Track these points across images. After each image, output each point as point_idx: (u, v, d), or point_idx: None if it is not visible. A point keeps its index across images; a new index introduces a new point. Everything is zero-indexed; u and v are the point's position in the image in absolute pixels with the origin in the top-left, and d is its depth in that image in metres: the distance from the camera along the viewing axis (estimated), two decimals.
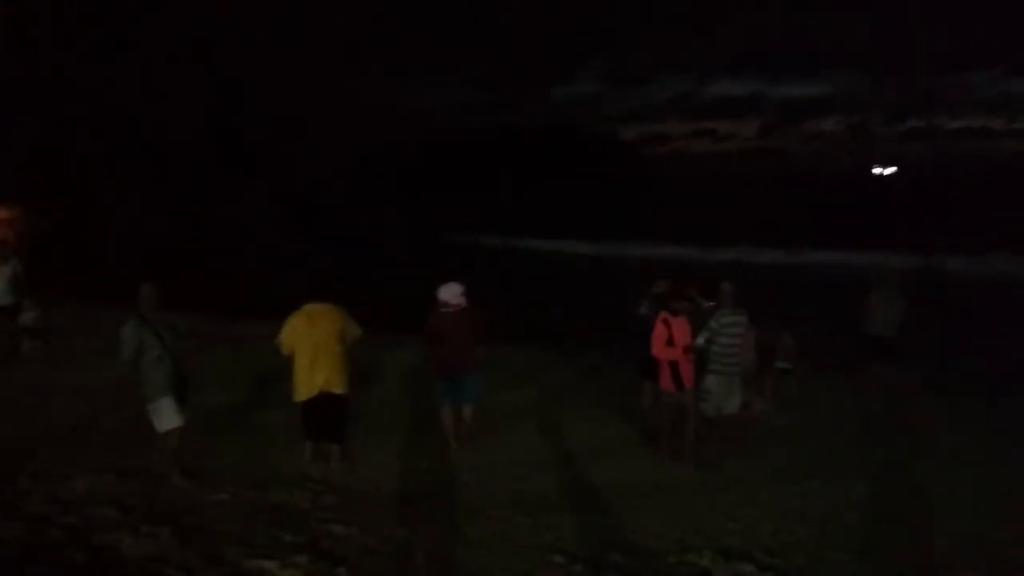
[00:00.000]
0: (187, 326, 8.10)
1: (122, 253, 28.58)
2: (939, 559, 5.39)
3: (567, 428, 8.52)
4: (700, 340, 7.29)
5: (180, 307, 8.02)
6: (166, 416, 6.51)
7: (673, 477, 7.07)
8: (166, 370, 6.47)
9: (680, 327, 7.27)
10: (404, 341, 11.32)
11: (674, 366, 7.26)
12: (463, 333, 7.57)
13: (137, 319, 6.44)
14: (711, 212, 47.67)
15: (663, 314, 7.37)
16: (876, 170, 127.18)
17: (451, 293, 7.65)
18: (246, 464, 7.08)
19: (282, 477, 6.72)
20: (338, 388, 7.01)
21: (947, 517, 6.03)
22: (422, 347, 8.14)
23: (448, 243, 37.67)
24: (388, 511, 6.14)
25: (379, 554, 5.23)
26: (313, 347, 6.91)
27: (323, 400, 6.97)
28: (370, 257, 31.56)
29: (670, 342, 7.23)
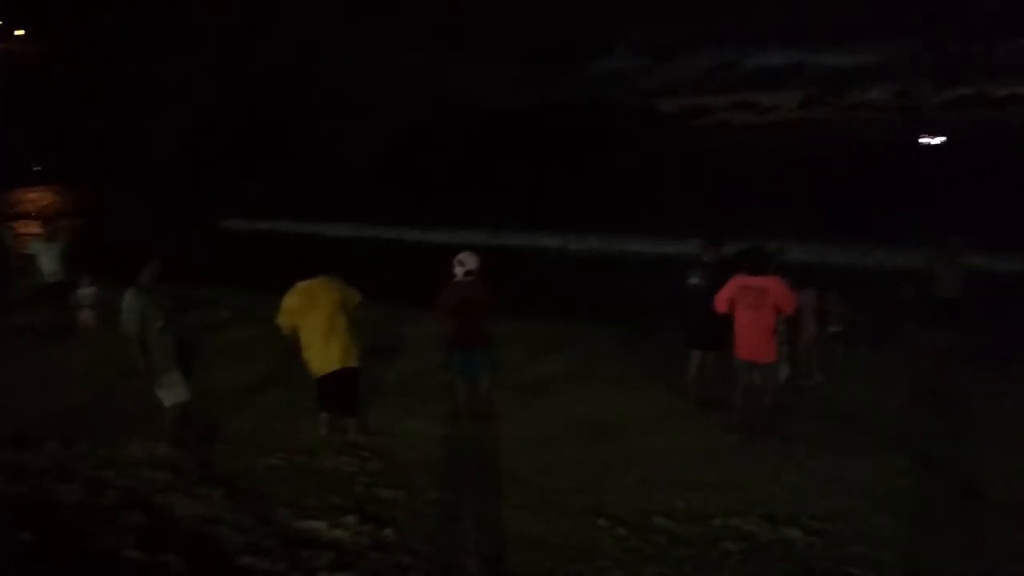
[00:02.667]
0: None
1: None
2: (991, 529, 5.31)
3: (605, 398, 8.51)
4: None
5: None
6: (175, 390, 6.46)
7: (719, 446, 7.04)
8: (170, 341, 6.39)
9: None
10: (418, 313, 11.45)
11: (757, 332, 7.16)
12: (477, 304, 7.35)
13: (136, 290, 6.31)
14: (753, 195, 45.43)
15: (740, 276, 7.22)
16: (924, 140, 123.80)
17: (467, 262, 7.42)
18: (268, 433, 7.18)
19: (330, 443, 6.83)
20: (352, 362, 6.94)
21: (1000, 487, 5.93)
22: (438, 318, 8.00)
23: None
24: (433, 476, 6.23)
25: (425, 516, 5.32)
26: (319, 323, 6.80)
27: (338, 375, 6.90)
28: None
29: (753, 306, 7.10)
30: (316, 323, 6.81)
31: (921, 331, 9.99)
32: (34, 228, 25.50)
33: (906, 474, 6.25)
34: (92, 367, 8.94)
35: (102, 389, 8.03)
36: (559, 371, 9.50)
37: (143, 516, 5.13)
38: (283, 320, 6.93)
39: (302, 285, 6.90)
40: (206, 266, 19.46)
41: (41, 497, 5.37)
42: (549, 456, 6.80)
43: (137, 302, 6.23)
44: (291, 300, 6.89)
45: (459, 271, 7.37)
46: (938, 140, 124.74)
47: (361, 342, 7.12)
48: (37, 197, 41.86)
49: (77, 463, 6.10)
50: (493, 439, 7.30)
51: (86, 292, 10.68)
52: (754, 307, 7.14)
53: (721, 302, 7.27)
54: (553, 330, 11.83)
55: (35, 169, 48.15)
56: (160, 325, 6.30)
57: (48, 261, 10.87)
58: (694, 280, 8.10)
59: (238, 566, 4.43)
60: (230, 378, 8.62)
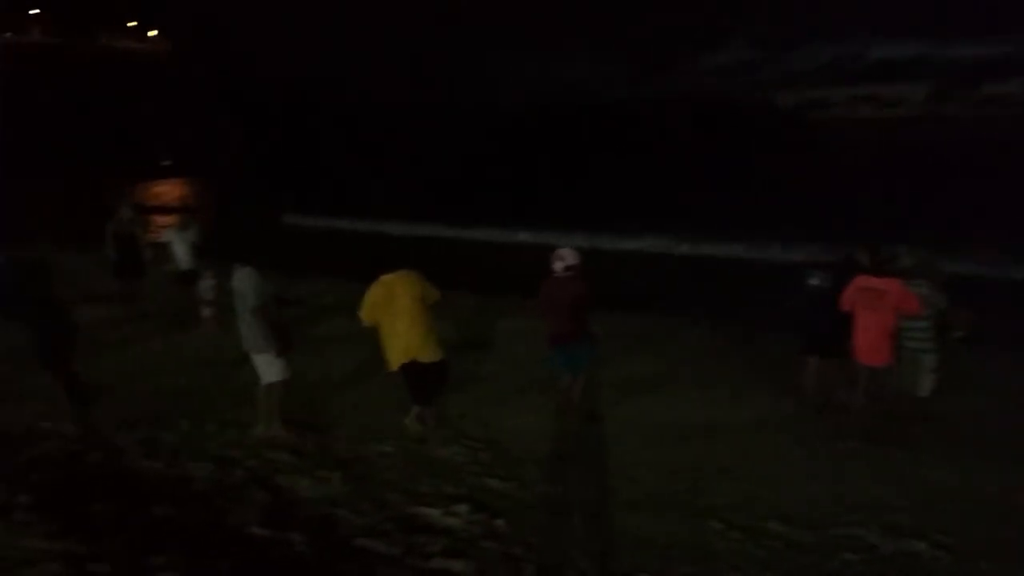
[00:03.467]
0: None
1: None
2: None
3: (710, 397, 8.35)
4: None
5: None
6: (276, 367, 6.72)
7: (835, 452, 6.80)
8: (271, 323, 6.67)
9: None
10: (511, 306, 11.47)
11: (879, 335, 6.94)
12: (576, 299, 7.26)
13: (253, 269, 6.64)
14: (876, 194, 42.78)
15: (862, 277, 7.00)
16: None
17: (565, 257, 7.33)
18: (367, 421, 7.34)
19: (441, 433, 6.96)
20: (429, 355, 6.97)
21: None
22: (533, 313, 7.95)
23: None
24: (541, 469, 6.26)
25: (536, 509, 5.36)
26: (398, 316, 6.90)
27: (418, 367, 6.97)
28: None
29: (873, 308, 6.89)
30: (396, 316, 6.90)
31: None
32: (168, 219, 27.00)
33: None
34: (216, 352, 9.39)
35: (226, 373, 8.42)
36: (662, 370, 9.38)
37: (267, 495, 5.38)
38: (365, 312, 7.05)
39: (384, 278, 7.01)
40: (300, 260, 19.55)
41: (175, 473, 5.70)
42: (657, 455, 6.72)
43: (259, 280, 6.61)
44: (373, 293, 7.01)
45: (558, 266, 7.32)
46: None
47: (439, 336, 7.13)
48: (167, 190, 44.22)
49: (207, 442, 6.45)
50: (598, 435, 7.28)
51: (208, 285, 11.14)
52: (874, 309, 6.91)
53: (845, 301, 7.06)
54: (653, 329, 11.67)
55: (165, 163, 50.93)
56: (253, 306, 6.61)
57: (181, 250, 11.49)
58: (815, 281, 7.83)
59: (356, 547, 4.59)
60: (323, 367, 8.90)
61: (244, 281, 6.63)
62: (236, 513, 5.02)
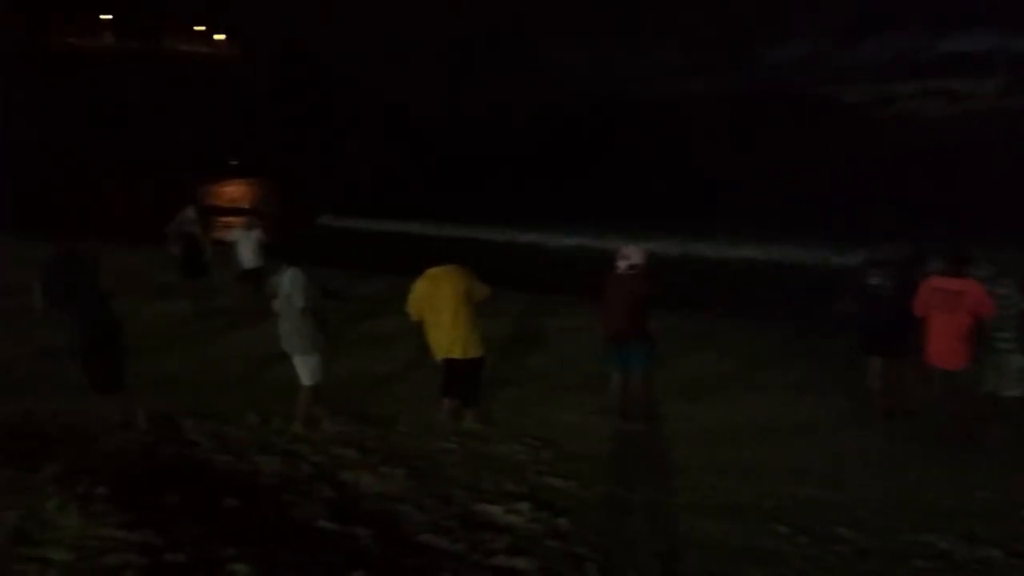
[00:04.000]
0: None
1: None
2: None
3: (775, 399, 8.21)
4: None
5: None
6: (315, 369, 6.92)
7: (905, 456, 6.63)
8: (316, 324, 6.87)
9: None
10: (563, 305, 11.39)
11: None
12: (637, 297, 7.17)
13: (300, 269, 6.89)
14: (946, 192, 41.06)
15: (935, 278, 6.82)
16: None
17: (631, 256, 7.26)
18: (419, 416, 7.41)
19: (502, 431, 7.00)
20: (470, 352, 7.01)
21: None
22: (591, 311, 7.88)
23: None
24: (603, 469, 6.25)
25: (599, 509, 5.35)
26: (440, 311, 6.95)
27: (458, 363, 7.03)
28: None
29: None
30: (440, 310, 6.96)
31: None
32: (234, 219, 27.63)
33: None
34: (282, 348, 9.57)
35: (291, 369, 8.57)
36: (723, 370, 9.27)
37: (332, 490, 5.47)
38: (411, 306, 7.14)
39: (431, 272, 7.10)
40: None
41: (244, 466, 5.83)
42: (722, 456, 6.65)
43: (308, 282, 6.86)
44: (420, 286, 7.10)
45: (622, 264, 7.29)
46: None
47: (482, 334, 7.16)
48: (233, 190, 45.30)
49: (274, 437, 6.59)
50: (660, 435, 7.23)
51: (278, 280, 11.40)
52: (948, 310, 6.70)
53: (919, 305, 6.87)
54: (712, 329, 11.53)
55: (232, 164, 52.20)
56: (302, 307, 6.84)
57: (246, 249, 11.78)
58: (875, 280, 7.59)
59: (420, 543, 4.63)
60: (371, 363, 9.01)
61: (291, 281, 6.81)
62: (303, 507, 5.11)
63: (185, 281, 12.17)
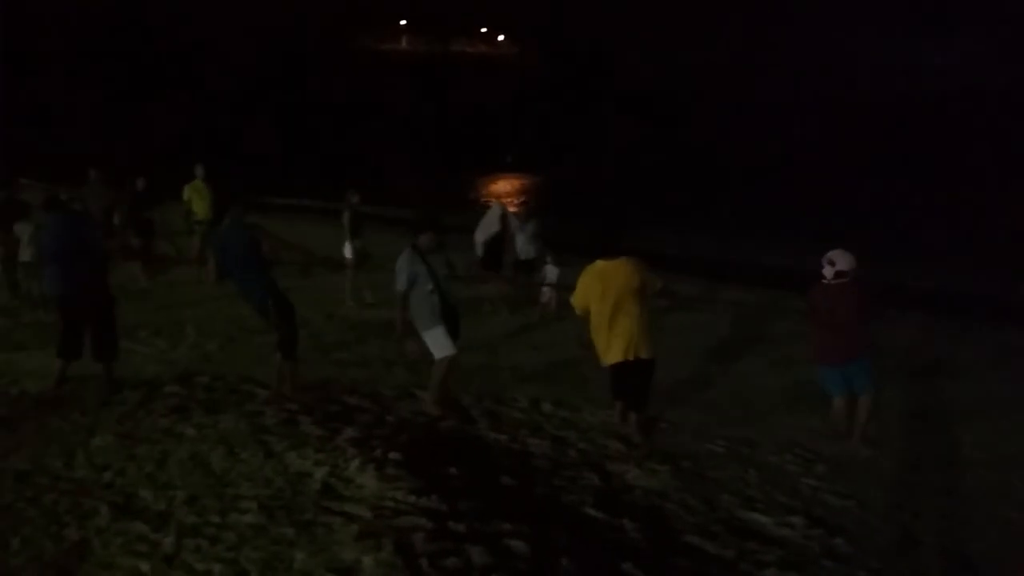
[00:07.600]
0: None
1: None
2: None
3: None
4: None
5: None
6: (442, 343, 6.74)
7: None
8: (435, 302, 6.73)
9: None
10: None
11: None
12: (849, 311, 6.37)
13: (411, 252, 6.79)
14: None
15: None
16: None
17: (836, 261, 6.47)
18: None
19: (773, 439, 6.68)
20: (643, 353, 6.37)
21: None
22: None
23: None
24: (884, 492, 5.78)
25: (880, 534, 4.98)
26: (610, 308, 6.34)
27: (626, 365, 6.40)
28: None
29: None
30: (605, 307, 6.37)
31: None
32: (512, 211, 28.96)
33: None
34: (552, 334, 9.90)
35: (560, 355, 8.83)
36: (968, 394, 8.01)
37: (599, 479, 5.58)
38: (577, 301, 6.64)
39: (598, 265, 6.56)
40: None
41: (517, 447, 6.13)
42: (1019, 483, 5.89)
43: (406, 264, 6.74)
44: (586, 280, 6.58)
45: (828, 271, 6.52)
46: None
47: (653, 332, 6.58)
48: (509, 184, 47.40)
49: (545, 421, 6.84)
50: (935, 459, 6.50)
51: (553, 272, 11.78)
52: None
53: None
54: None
55: (508, 159, 54.65)
56: (429, 288, 6.73)
57: (522, 239, 12.30)
58: None
59: (687, 544, 4.60)
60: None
61: (397, 263, 6.82)
62: (572, 492, 5.28)
63: (485, 272, 13.02)
